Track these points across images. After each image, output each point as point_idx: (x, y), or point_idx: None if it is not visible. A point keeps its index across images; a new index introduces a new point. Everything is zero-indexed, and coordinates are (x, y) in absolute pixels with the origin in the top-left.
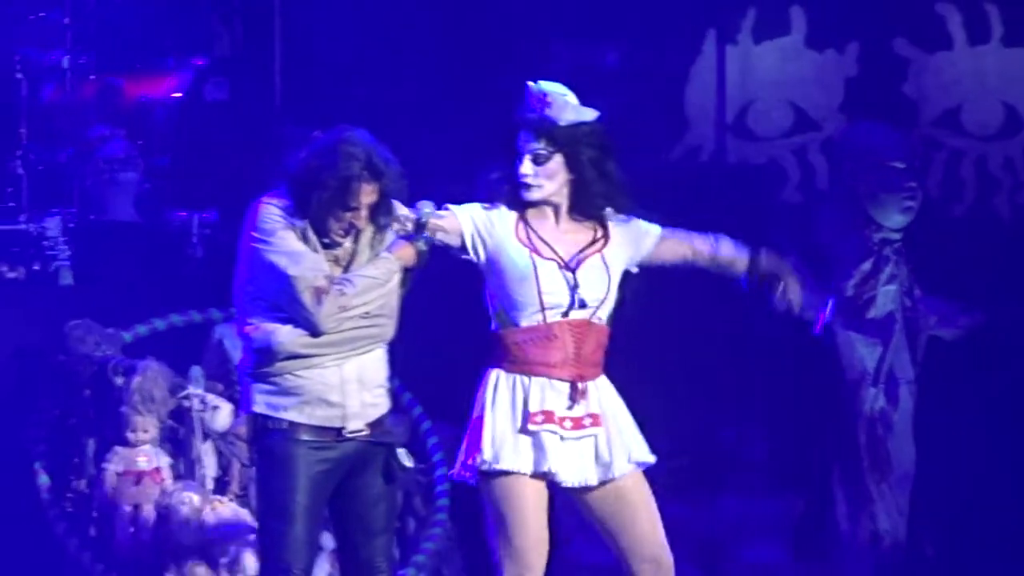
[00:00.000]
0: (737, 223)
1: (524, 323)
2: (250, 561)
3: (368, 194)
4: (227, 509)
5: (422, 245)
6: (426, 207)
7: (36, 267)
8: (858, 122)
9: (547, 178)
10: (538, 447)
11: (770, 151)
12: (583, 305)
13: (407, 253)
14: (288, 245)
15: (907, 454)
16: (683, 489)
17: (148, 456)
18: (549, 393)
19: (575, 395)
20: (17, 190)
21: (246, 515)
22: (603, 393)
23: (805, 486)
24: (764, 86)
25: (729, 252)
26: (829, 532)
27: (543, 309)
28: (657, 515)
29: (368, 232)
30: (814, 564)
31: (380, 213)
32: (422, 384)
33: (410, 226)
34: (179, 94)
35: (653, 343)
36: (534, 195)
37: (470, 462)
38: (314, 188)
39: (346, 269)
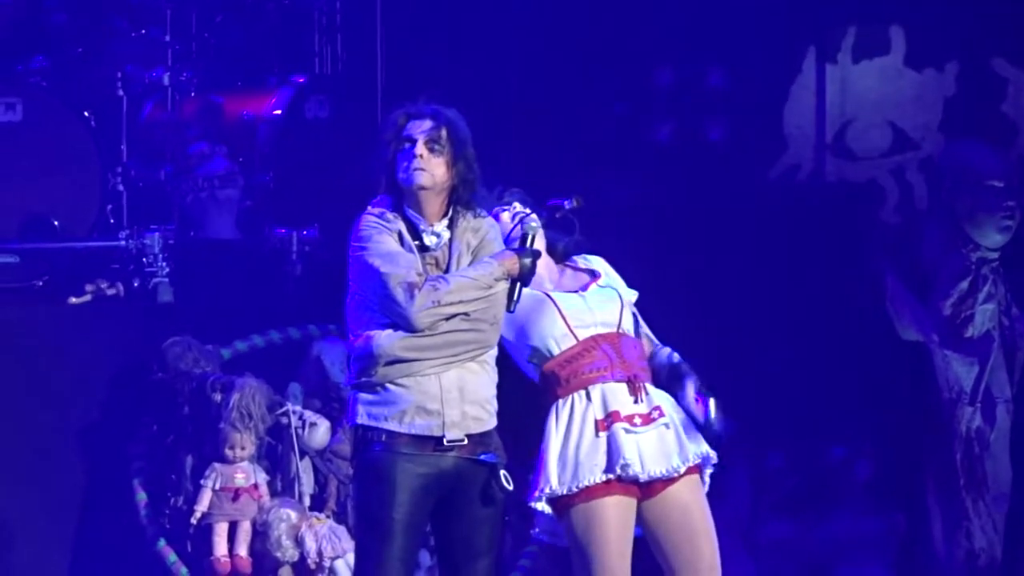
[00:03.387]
0: (836, 242)
1: (560, 349)
2: None
3: (416, 126)
4: (324, 526)
5: (528, 257)
6: (533, 221)
7: (135, 284)
8: (957, 141)
9: None
10: (611, 448)
11: (869, 170)
12: (605, 322)
13: (511, 262)
14: (384, 247)
15: (1004, 473)
16: (793, 508)
17: (246, 473)
18: (610, 396)
19: (635, 391)
20: (117, 207)
21: (343, 532)
22: (662, 398)
23: (907, 505)
24: (863, 105)
25: (660, 359)
26: (926, 550)
27: (571, 329)
28: (715, 536)
29: (466, 237)
30: None
31: (466, 189)
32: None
33: (520, 219)
34: (280, 112)
35: (767, 360)
36: None
37: (539, 492)
38: (379, 151)
39: (446, 272)
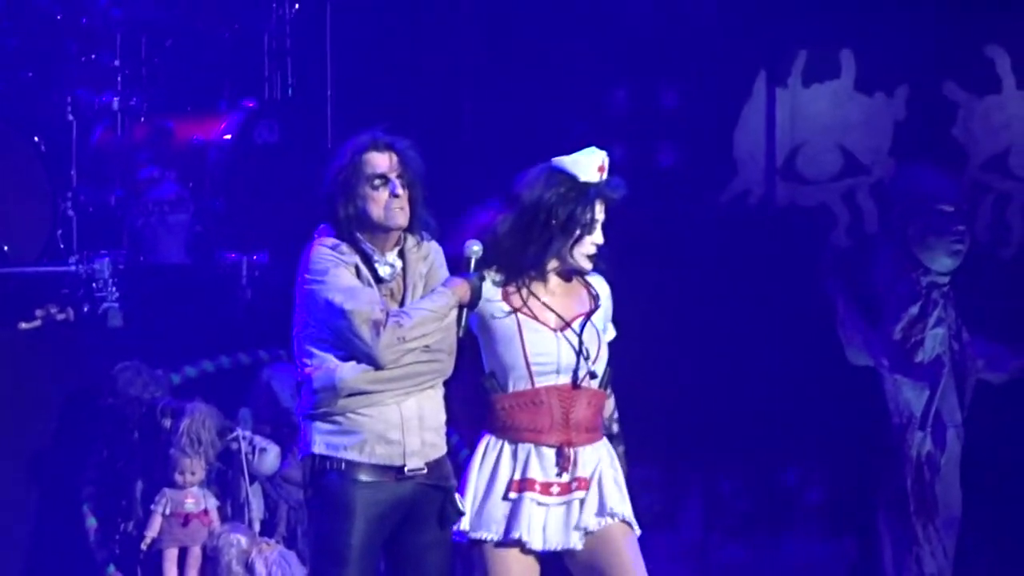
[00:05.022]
0: (787, 267)
1: (512, 388)
2: None
3: (384, 161)
4: (274, 552)
5: (476, 281)
6: (475, 245)
7: (85, 309)
8: (907, 166)
9: None
10: (513, 514)
11: (819, 194)
12: (568, 371)
13: (462, 289)
14: (342, 281)
15: (954, 498)
16: (744, 532)
17: (196, 498)
18: (533, 461)
19: (562, 462)
20: (67, 231)
21: (293, 557)
22: (596, 457)
23: (858, 530)
24: (813, 129)
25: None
26: (875, 572)
27: (531, 374)
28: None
29: (418, 266)
30: None
31: (416, 218)
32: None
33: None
34: (230, 136)
35: (718, 385)
36: (592, 264)
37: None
38: (335, 182)
39: (401, 303)
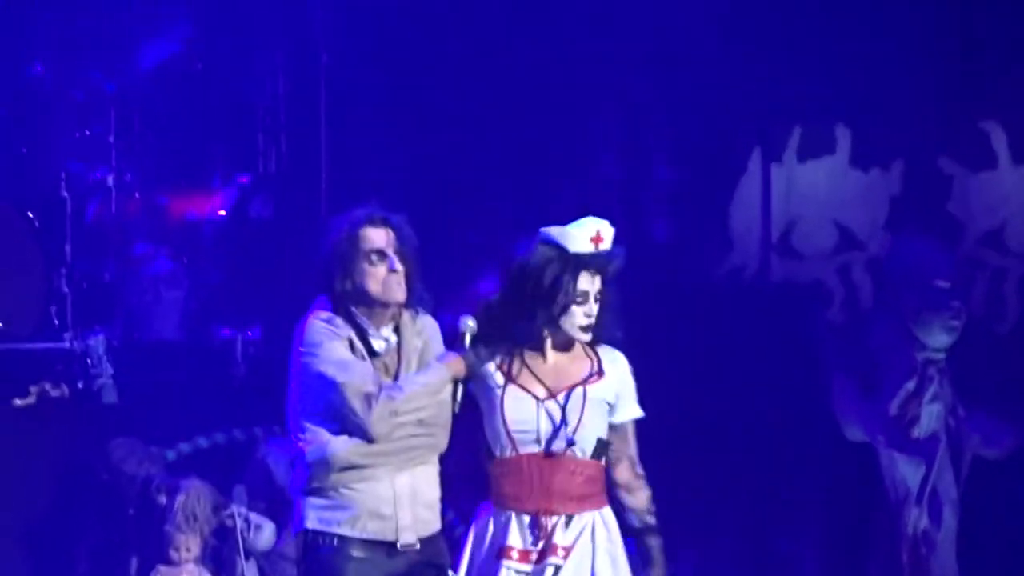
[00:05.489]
0: (782, 342)
1: (500, 455)
2: None
3: (381, 237)
4: None
5: (471, 357)
6: (469, 320)
7: (80, 385)
8: (903, 240)
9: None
10: None
11: (814, 270)
12: (552, 447)
13: (456, 364)
14: (336, 355)
15: (950, 574)
16: None
17: (191, 574)
18: (514, 527)
19: (537, 530)
20: (62, 308)
21: None
22: (581, 526)
23: None
24: (809, 204)
25: (634, 502)
26: None
27: (512, 442)
28: None
29: (413, 341)
30: None
31: (412, 292)
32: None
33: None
34: (224, 212)
35: (713, 459)
36: (590, 335)
37: None
38: (331, 257)
39: (395, 378)
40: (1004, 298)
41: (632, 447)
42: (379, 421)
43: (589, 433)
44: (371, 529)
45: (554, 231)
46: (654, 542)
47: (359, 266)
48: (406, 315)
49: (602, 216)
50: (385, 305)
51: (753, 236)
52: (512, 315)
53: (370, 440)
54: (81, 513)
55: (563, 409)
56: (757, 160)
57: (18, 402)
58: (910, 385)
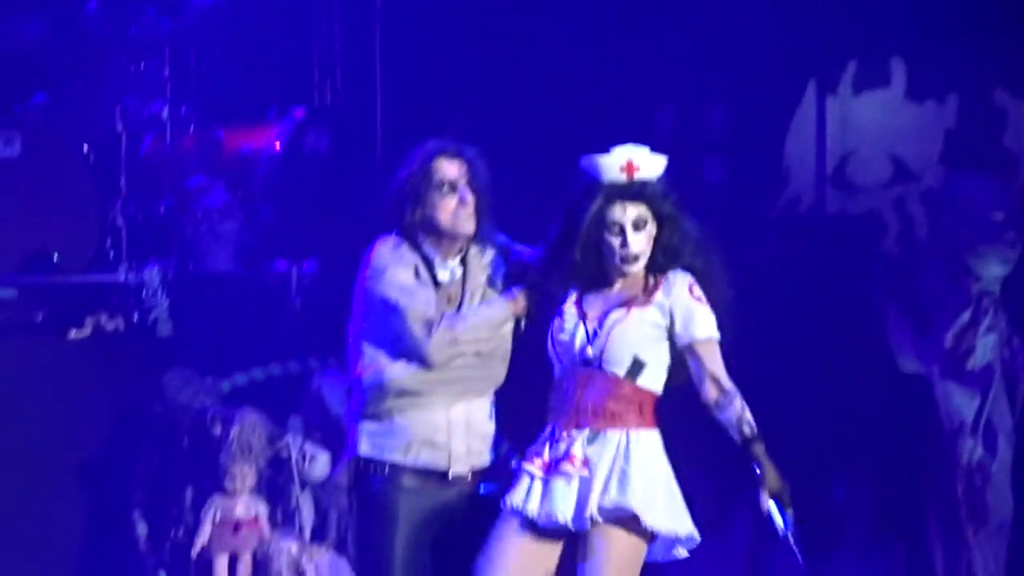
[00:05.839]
0: (837, 275)
1: (555, 368)
2: None
3: (453, 169)
4: (325, 558)
5: (534, 294)
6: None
7: (135, 318)
8: (958, 173)
9: (647, 243)
10: (522, 488)
11: (869, 202)
12: (586, 358)
13: (520, 301)
14: (400, 280)
15: (1005, 503)
16: (798, 542)
17: (246, 505)
18: (545, 437)
19: (558, 439)
20: (117, 241)
21: (344, 564)
22: (617, 446)
23: (909, 537)
24: (864, 137)
25: (726, 417)
26: None
27: (558, 357)
28: None
29: (479, 274)
30: None
31: (480, 226)
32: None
33: None
34: (279, 145)
35: (768, 395)
36: (640, 265)
37: None
38: (403, 186)
39: (458, 309)
40: None
41: (711, 365)
42: (437, 348)
43: (619, 351)
44: (423, 457)
45: (589, 161)
46: (757, 449)
47: (430, 197)
48: (473, 248)
49: (660, 153)
50: (453, 237)
51: (808, 169)
52: (568, 249)
53: (427, 367)
54: (136, 445)
55: (599, 329)
56: (812, 93)
57: (74, 334)
58: (965, 316)
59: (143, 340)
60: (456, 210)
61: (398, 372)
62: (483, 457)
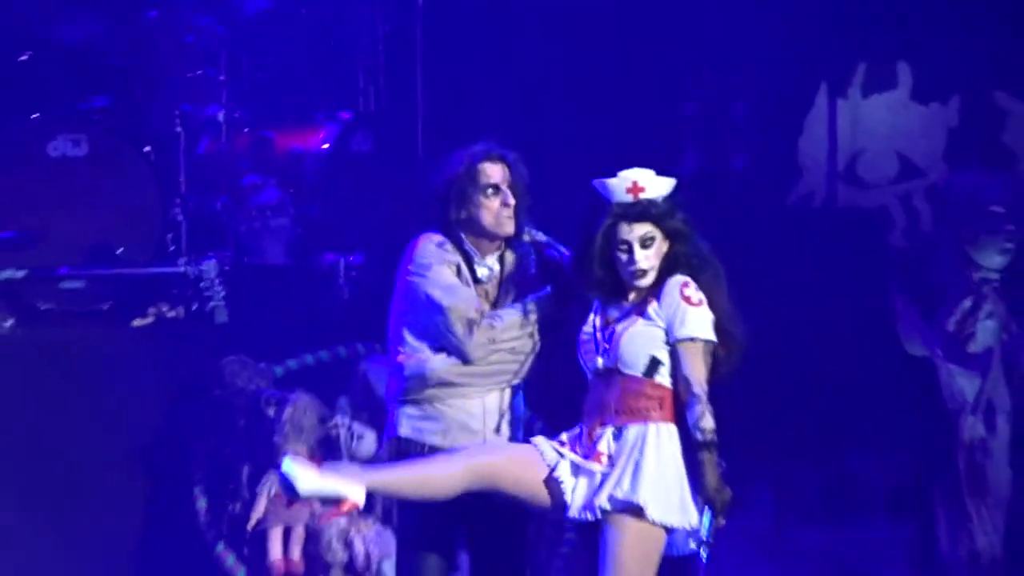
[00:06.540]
0: (847, 265)
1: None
2: None
3: (497, 172)
4: (372, 530)
5: (565, 293)
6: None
7: (194, 307)
8: (961, 170)
9: (656, 259)
10: (556, 455)
11: (878, 197)
12: (604, 363)
13: (552, 300)
14: (444, 279)
15: (1004, 479)
16: (813, 515)
17: None
18: (574, 436)
19: (586, 438)
20: (177, 235)
21: (389, 535)
22: (634, 441)
23: (916, 509)
24: (872, 136)
25: (689, 417)
26: (933, 551)
27: (584, 364)
28: (618, 570)
29: (515, 272)
30: None
31: (519, 226)
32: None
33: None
34: (327, 146)
35: (785, 377)
36: (649, 279)
37: None
38: (448, 186)
39: (494, 305)
40: None
41: (686, 365)
42: (477, 346)
43: (632, 356)
44: (460, 441)
45: (599, 184)
46: (704, 455)
47: (475, 198)
48: (510, 246)
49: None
50: (494, 236)
51: (820, 166)
52: (586, 264)
53: (466, 361)
54: (196, 425)
55: (612, 337)
56: (824, 96)
57: (137, 322)
58: (967, 303)
59: (201, 328)
60: (499, 211)
61: (439, 364)
62: (516, 439)
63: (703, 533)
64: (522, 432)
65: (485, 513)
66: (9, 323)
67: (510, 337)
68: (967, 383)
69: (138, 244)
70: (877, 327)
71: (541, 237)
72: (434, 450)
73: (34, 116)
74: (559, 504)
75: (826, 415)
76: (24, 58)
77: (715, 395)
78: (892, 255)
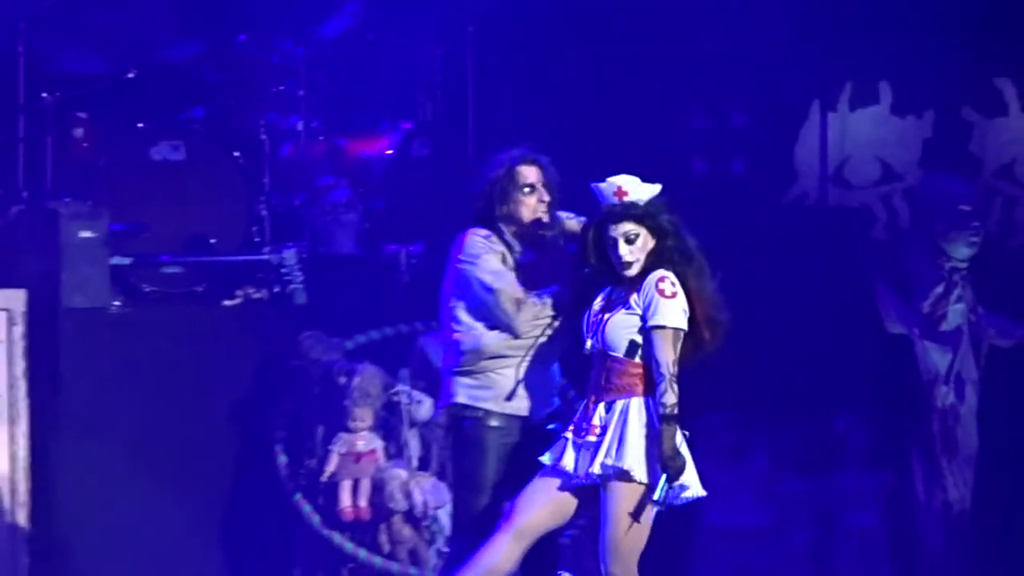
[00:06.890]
0: (836, 256)
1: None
2: (446, 522)
3: (533, 173)
4: (429, 482)
5: (589, 275)
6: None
7: (276, 289)
8: (934, 174)
9: (640, 253)
10: (557, 448)
11: (862, 197)
12: (593, 345)
13: (580, 283)
14: (492, 265)
15: (972, 439)
16: (804, 467)
17: (366, 440)
18: (578, 410)
19: (583, 411)
20: (261, 228)
21: (443, 487)
22: (620, 413)
23: (895, 464)
24: (858, 145)
25: (655, 394)
26: (910, 501)
27: (584, 345)
28: (617, 533)
29: (549, 259)
30: (901, 529)
31: (552, 215)
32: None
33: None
34: (391, 151)
35: (783, 352)
36: (634, 270)
37: None
38: (491, 187)
39: (532, 288)
40: (1014, 220)
41: (655, 350)
42: (525, 321)
43: (614, 339)
44: (509, 406)
45: (594, 188)
46: (663, 428)
47: (515, 196)
48: (545, 237)
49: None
50: (531, 229)
51: (813, 170)
52: (586, 258)
53: (515, 336)
54: (277, 392)
55: (600, 323)
56: (816, 109)
57: (227, 303)
58: (939, 289)
59: (283, 307)
60: (535, 207)
61: (492, 339)
62: (553, 404)
63: (657, 495)
64: (559, 398)
65: (531, 468)
66: (118, 303)
67: (548, 315)
68: (940, 357)
69: (229, 235)
70: (862, 308)
71: (581, 220)
72: (487, 414)
73: (140, 125)
74: (570, 485)
75: (817, 383)
76: (132, 75)
77: (716, 367)
78: (875, 247)
